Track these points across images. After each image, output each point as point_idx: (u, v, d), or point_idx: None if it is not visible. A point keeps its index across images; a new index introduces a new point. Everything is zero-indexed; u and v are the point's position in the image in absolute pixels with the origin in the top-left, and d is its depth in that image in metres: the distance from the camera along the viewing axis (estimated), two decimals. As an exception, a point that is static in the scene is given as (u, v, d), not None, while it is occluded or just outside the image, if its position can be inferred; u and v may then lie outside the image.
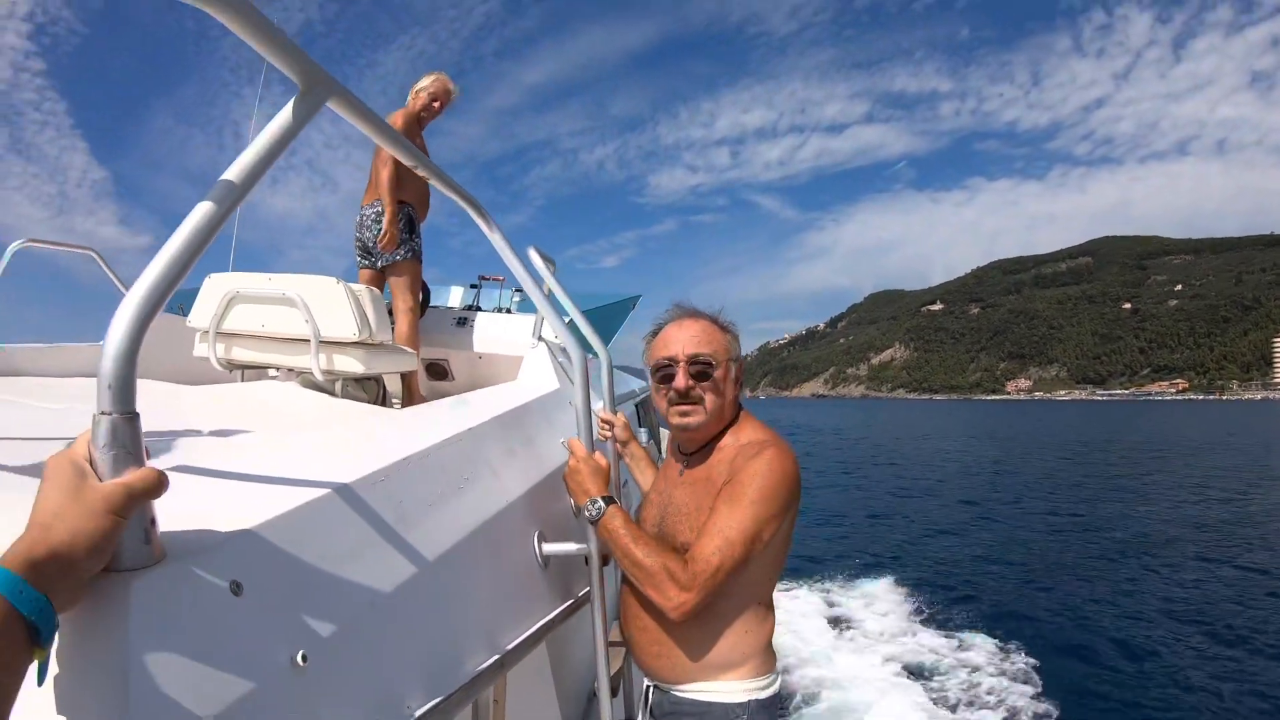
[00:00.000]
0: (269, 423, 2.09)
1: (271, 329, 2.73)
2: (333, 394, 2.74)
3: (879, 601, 8.95)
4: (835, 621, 8.17)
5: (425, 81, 3.73)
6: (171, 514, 0.68)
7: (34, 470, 1.24)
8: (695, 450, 1.69)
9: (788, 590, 9.04)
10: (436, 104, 3.73)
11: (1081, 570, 10.59)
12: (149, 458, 0.65)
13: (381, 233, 3.44)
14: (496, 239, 1.61)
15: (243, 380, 3.06)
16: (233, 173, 0.75)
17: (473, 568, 1.27)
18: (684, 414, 1.62)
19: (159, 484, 0.62)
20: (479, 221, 1.60)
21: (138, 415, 0.62)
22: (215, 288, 2.85)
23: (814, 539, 12.75)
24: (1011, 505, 16.60)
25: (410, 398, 3.42)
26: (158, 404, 2.27)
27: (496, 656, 1.26)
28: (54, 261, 3.60)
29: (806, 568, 10.30)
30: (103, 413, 0.60)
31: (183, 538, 0.69)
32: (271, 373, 3.01)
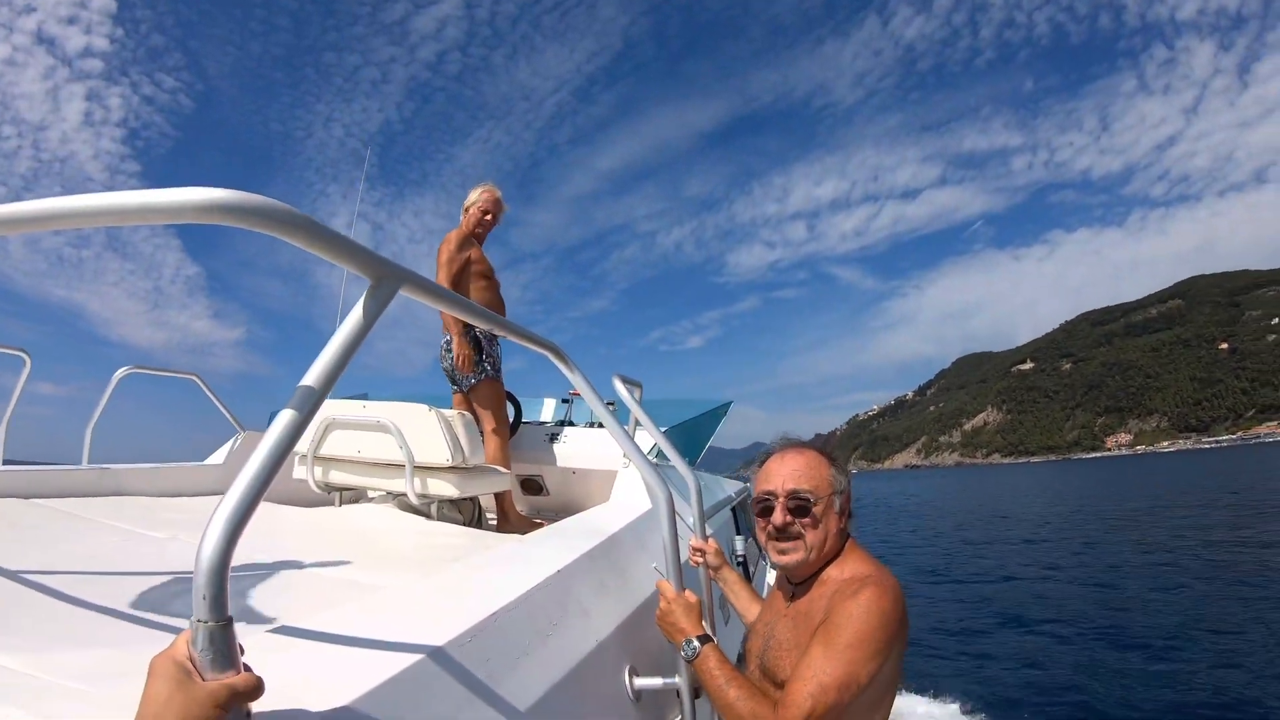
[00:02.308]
0: (366, 551, 2.11)
1: (367, 454, 2.81)
2: (428, 516, 2.76)
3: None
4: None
5: (474, 195, 3.75)
6: (270, 687, 0.71)
7: (135, 616, 1.30)
8: (801, 581, 1.67)
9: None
10: (489, 217, 3.73)
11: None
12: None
13: (455, 357, 3.46)
14: (577, 379, 1.67)
15: (340, 502, 3.13)
16: (311, 378, 0.78)
17: (562, 714, 1.25)
18: (782, 552, 1.61)
19: (257, 689, 0.68)
20: (559, 365, 1.67)
21: (231, 620, 0.66)
22: None
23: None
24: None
25: (505, 515, 3.41)
26: (261, 526, 2.33)
27: None
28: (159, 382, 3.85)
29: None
30: (199, 620, 0.64)
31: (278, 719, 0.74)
32: (370, 494, 3.06)
